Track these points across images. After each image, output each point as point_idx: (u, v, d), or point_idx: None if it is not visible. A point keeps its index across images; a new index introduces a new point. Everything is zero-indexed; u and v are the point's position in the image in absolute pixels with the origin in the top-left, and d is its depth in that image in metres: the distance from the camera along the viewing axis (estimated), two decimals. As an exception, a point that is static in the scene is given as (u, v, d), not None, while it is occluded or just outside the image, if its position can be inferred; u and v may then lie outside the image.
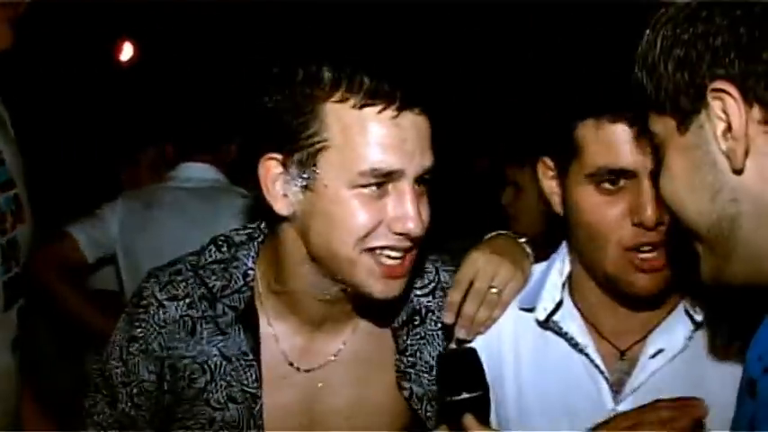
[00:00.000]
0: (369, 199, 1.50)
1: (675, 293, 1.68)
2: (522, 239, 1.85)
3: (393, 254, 1.55)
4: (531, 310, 1.75)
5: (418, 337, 1.73)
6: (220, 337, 1.69)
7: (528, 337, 1.75)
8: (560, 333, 1.72)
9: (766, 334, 1.18)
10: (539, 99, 1.82)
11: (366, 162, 1.49)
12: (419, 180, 1.56)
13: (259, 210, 1.68)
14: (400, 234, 1.54)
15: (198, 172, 3.77)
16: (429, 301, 1.76)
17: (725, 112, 1.15)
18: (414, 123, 1.52)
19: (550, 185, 1.70)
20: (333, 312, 1.69)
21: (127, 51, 7.35)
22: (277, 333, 1.70)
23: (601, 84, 1.57)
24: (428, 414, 1.74)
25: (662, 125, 1.25)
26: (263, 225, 1.75)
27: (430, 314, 1.76)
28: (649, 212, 1.52)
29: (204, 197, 3.68)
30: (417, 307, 1.75)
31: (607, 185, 1.58)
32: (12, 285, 1.72)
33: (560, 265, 1.76)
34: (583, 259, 1.70)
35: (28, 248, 1.80)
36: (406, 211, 1.52)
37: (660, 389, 1.57)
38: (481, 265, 1.71)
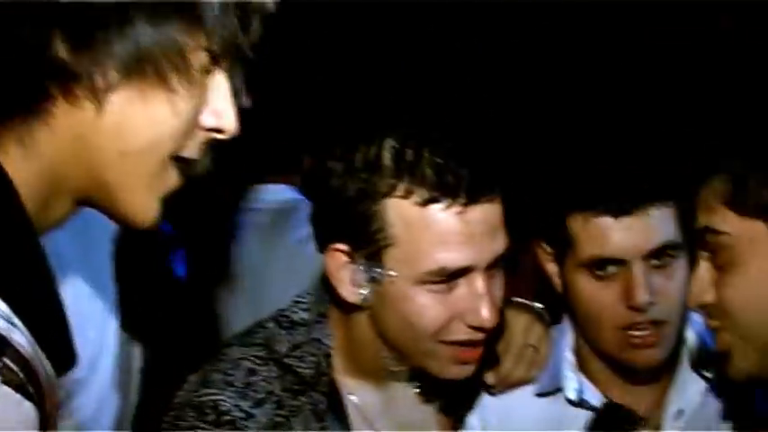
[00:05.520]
0: (438, 294, 1.46)
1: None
2: (539, 306, 1.80)
3: (469, 347, 1.52)
4: (550, 392, 1.77)
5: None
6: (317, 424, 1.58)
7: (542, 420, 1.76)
8: (591, 409, 1.73)
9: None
10: (534, 189, 1.81)
11: (433, 261, 1.44)
12: (491, 266, 1.49)
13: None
14: (474, 327, 1.49)
15: None
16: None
17: None
18: (483, 214, 1.45)
19: (551, 268, 1.76)
20: (402, 380, 1.64)
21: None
22: (359, 405, 1.62)
23: (593, 180, 1.66)
24: None
25: (745, 228, 1.32)
26: (323, 300, 1.63)
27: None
28: (642, 297, 1.61)
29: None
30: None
31: (598, 272, 1.66)
32: None
33: (568, 341, 1.80)
34: (585, 337, 1.77)
35: None
36: (478, 304, 1.47)
37: None
38: (519, 323, 1.72)
